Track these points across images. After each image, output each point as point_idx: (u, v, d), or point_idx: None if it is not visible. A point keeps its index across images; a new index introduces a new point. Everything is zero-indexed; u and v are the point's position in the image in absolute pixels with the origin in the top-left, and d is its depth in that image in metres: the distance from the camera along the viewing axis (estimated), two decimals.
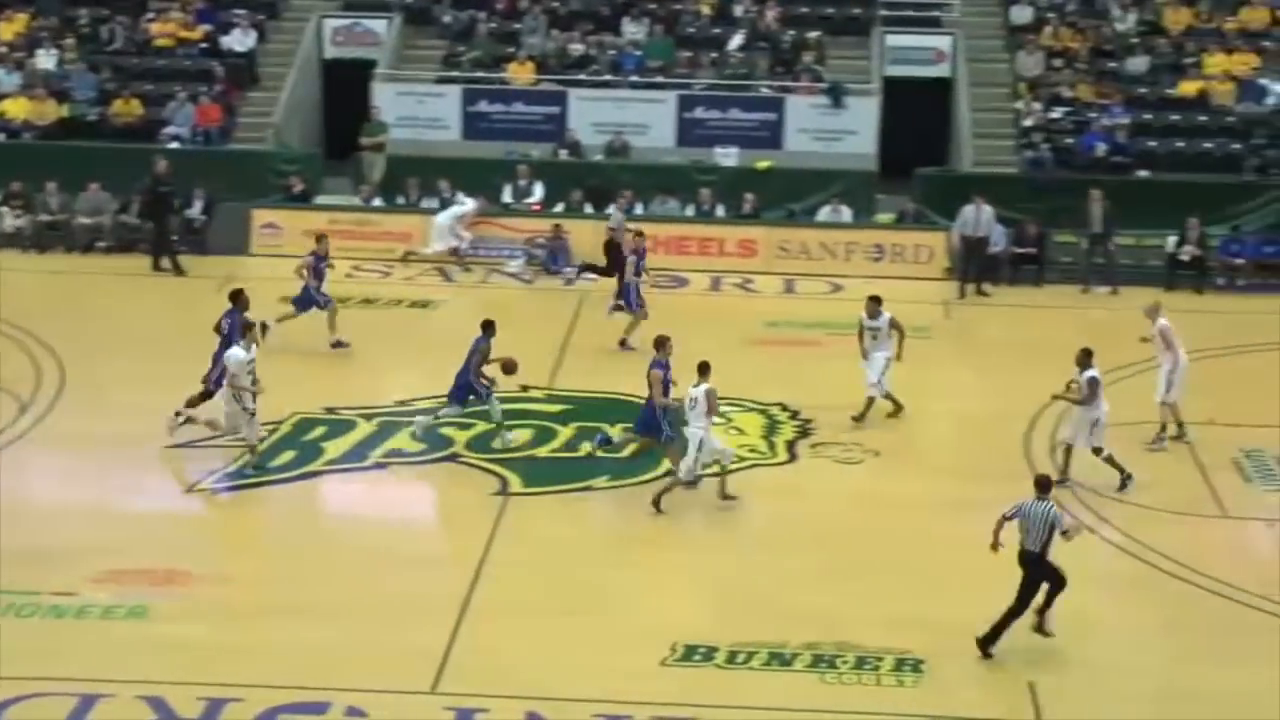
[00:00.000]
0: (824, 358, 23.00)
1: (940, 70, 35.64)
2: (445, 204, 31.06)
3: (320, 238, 26.43)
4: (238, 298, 22.38)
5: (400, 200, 32.49)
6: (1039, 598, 16.47)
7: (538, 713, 15.29)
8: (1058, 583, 16.45)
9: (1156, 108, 34.09)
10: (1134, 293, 29.36)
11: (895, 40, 35.81)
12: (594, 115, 34.44)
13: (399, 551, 18.81)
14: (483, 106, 34.85)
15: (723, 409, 22.85)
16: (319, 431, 22.15)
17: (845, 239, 30.65)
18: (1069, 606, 17.74)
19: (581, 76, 35.25)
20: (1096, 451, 20.57)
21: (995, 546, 16.57)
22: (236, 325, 21.73)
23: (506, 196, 32.43)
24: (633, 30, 36.36)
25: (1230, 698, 15.92)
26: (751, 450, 21.90)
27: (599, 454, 20.96)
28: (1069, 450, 20.88)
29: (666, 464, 21.26)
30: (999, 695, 15.82)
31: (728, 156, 33.54)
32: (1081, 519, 19.85)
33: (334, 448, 21.66)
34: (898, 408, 22.77)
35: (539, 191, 32.43)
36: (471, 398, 21.74)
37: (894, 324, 22.50)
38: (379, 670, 16.02)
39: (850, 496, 20.52)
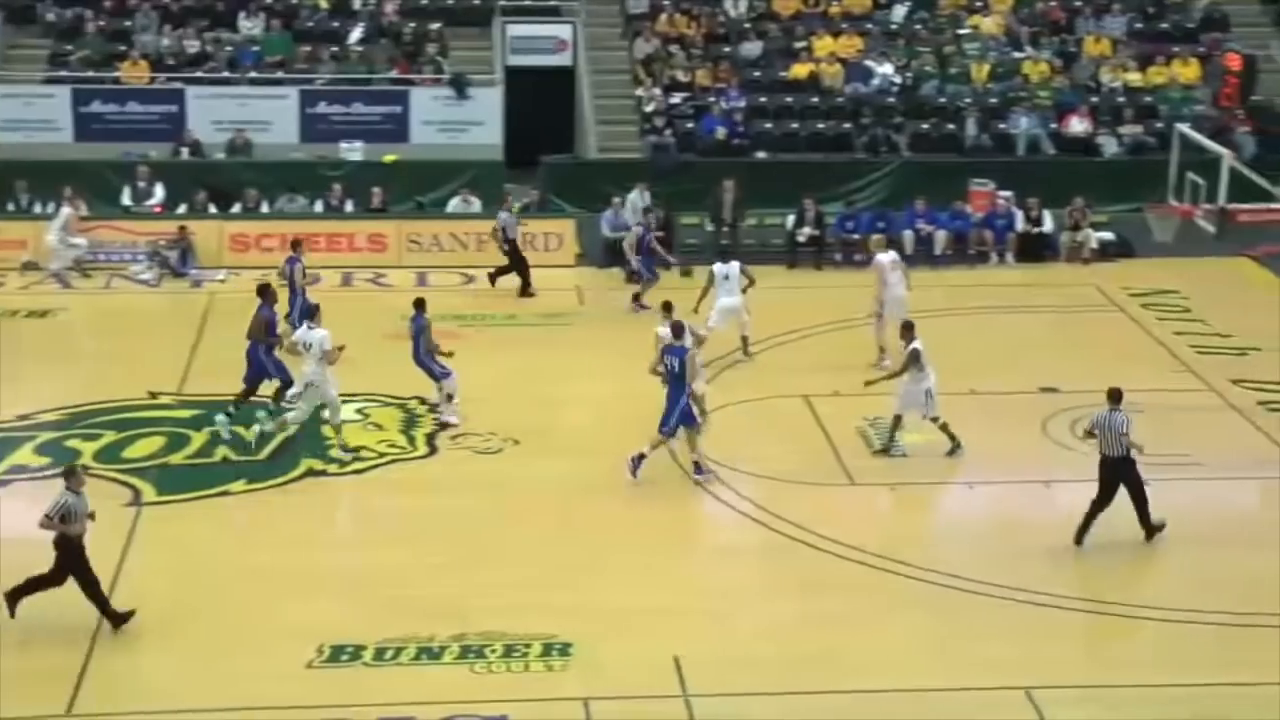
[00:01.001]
0: (460, 349, 23.00)
1: (562, 59, 36.02)
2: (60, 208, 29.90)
3: (295, 244, 25.76)
4: (265, 291, 22.26)
5: (10, 207, 31.20)
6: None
7: None
8: (1139, 492, 18.55)
9: (770, 91, 35.16)
10: (757, 271, 30.16)
11: (516, 30, 36.05)
12: (213, 113, 33.71)
13: (25, 570, 18.03)
14: (96, 107, 33.75)
15: (360, 405, 22.71)
16: None
17: (476, 230, 30.65)
18: (708, 579, 18.27)
19: (199, 74, 34.45)
20: (933, 420, 21.27)
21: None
22: (273, 319, 22.08)
23: (126, 199, 31.49)
24: (249, 25, 35.69)
25: (866, 659, 16.55)
26: (391, 445, 21.78)
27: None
28: (897, 420, 21.46)
29: (305, 465, 21.02)
30: (647, 672, 16.08)
31: (353, 151, 33.23)
32: (718, 493, 20.44)
33: None
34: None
35: (160, 193, 31.59)
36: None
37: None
38: (8, 696, 15.40)
39: (491, 486, 20.58)
